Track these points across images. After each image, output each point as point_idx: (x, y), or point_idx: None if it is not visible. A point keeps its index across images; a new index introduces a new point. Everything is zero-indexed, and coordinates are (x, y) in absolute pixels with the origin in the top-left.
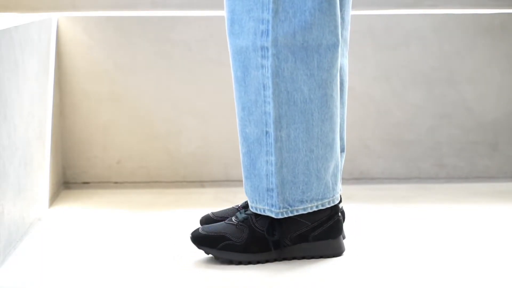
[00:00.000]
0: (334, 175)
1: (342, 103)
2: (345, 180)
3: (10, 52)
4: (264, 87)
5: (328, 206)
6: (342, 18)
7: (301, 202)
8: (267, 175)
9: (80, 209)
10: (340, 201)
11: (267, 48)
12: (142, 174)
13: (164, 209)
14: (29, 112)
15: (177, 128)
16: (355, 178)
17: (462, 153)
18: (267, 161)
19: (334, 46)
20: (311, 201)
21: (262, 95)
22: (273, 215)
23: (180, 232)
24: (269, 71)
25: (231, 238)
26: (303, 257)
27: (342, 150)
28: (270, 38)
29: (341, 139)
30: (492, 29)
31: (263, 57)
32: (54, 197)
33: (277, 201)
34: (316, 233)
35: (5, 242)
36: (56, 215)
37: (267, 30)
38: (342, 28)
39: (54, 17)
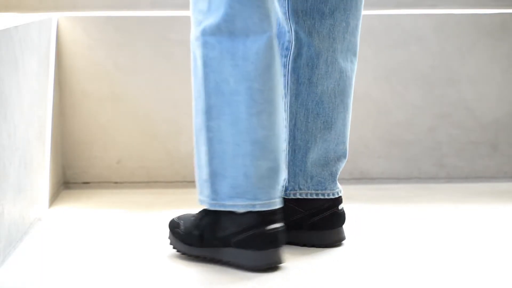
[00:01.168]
0: (271, 178)
1: (344, 108)
2: (345, 180)
3: (10, 52)
4: (200, 77)
5: (260, 209)
6: (347, 22)
7: (231, 197)
8: (203, 165)
9: (80, 209)
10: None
11: (199, 38)
12: (142, 174)
13: (164, 209)
14: (29, 112)
15: (177, 128)
16: (355, 178)
17: (462, 153)
18: (204, 151)
19: (261, 39)
20: (240, 198)
21: (200, 84)
22: (207, 207)
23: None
24: (201, 60)
25: (180, 227)
26: (226, 262)
27: (343, 156)
28: (200, 27)
29: (342, 143)
30: (492, 29)
31: (197, 46)
32: (54, 197)
33: (209, 193)
34: (237, 239)
35: (5, 242)
36: (56, 215)
37: (201, 21)
38: (344, 31)
39: (54, 17)
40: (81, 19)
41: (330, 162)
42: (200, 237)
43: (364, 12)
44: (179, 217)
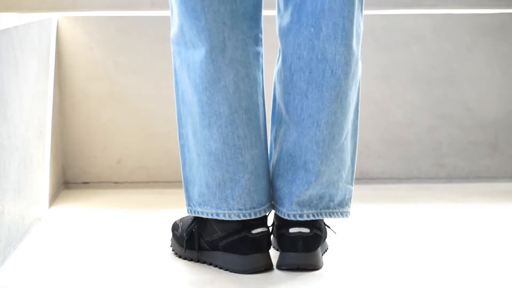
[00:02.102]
0: (232, 189)
1: (314, 123)
2: None
3: (10, 52)
4: (174, 84)
5: (224, 218)
6: (319, 27)
7: (199, 204)
8: (181, 171)
9: (80, 209)
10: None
11: (171, 45)
12: (142, 174)
13: (164, 209)
14: (29, 112)
15: (177, 128)
16: (355, 178)
17: (462, 153)
18: (180, 157)
19: (201, 51)
20: (206, 206)
21: (174, 91)
22: (187, 211)
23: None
24: (173, 68)
25: (178, 229)
26: (216, 265)
27: (314, 178)
28: (170, 35)
29: (311, 162)
30: (492, 29)
31: (172, 54)
32: (54, 197)
33: (185, 198)
34: (223, 243)
35: (5, 242)
36: (56, 215)
37: (171, 29)
38: (316, 38)
39: (54, 17)
40: (81, 19)
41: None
42: (190, 241)
43: (364, 12)
44: (181, 219)
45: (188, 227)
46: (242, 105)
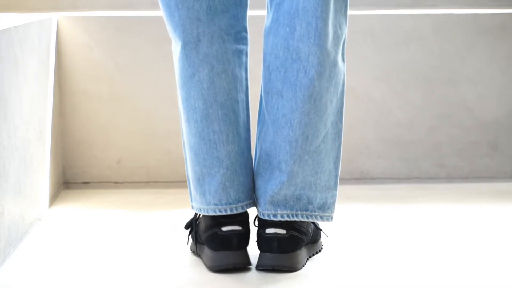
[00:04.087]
0: (210, 184)
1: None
2: (345, 180)
3: (10, 52)
4: None
5: (203, 213)
6: (294, 27)
7: (193, 200)
8: None
9: (80, 209)
10: (242, 220)
11: None
12: (142, 174)
13: (164, 209)
14: (29, 112)
15: (177, 128)
16: (355, 178)
17: (462, 153)
18: None
19: (177, 47)
20: (194, 201)
21: None
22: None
23: (180, 232)
24: None
25: (192, 225)
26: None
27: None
28: None
29: (284, 162)
30: (492, 29)
31: None
32: (54, 197)
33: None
34: (203, 238)
35: (5, 242)
36: (56, 215)
37: None
38: (291, 38)
39: (54, 17)
40: (81, 19)
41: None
42: (193, 234)
43: (364, 12)
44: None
45: (190, 220)
46: (218, 100)
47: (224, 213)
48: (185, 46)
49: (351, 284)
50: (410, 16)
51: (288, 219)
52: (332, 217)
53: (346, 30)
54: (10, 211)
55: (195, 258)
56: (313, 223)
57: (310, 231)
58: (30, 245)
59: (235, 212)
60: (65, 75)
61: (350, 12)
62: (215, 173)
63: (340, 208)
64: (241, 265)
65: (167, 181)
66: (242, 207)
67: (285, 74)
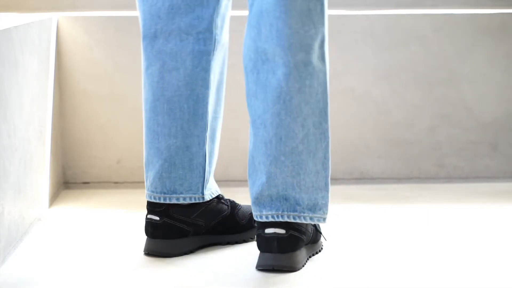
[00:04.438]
0: (150, 171)
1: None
2: (345, 180)
3: (10, 52)
4: None
5: (146, 198)
6: (260, 29)
7: None
8: None
9: (80, 209)
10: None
11: None
12: (142, 174)
13: None
14: (29, 112)
15: None
16: (355, 178)
17: (462, 153)
18: None
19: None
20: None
21: None
22: None
23: None
24: None
25: None
26: None
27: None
28: None
29: (262, 163)
30: (492, 29)
31: None
32: (54, 197)
33: None
34: None
35: (5, 242)
36: (56, 215)
37: None
38: (259, 39)
39: (54, 17)
40: (81, 19)
41: None
42: None
43: (364, 12)
44: None
45: None
46: (165, 95)
47: (157, 201)
48: (143, 39)
49: (351, 284)
50: (410, 16)
51: (273, 220)
52: (324, 218)
53: (323, 29)
54: (10, 211)
55: (196, 257)
56: (314, 224)
57: (310, 231)
58: (30, 245)
59: (168, 202)
60: (65, 75)
61: (350, 12)
62: (155, 163)
63: (340, 208)
64: (150, 252)
65: None
66: (177, 199)
67: (257, 76)
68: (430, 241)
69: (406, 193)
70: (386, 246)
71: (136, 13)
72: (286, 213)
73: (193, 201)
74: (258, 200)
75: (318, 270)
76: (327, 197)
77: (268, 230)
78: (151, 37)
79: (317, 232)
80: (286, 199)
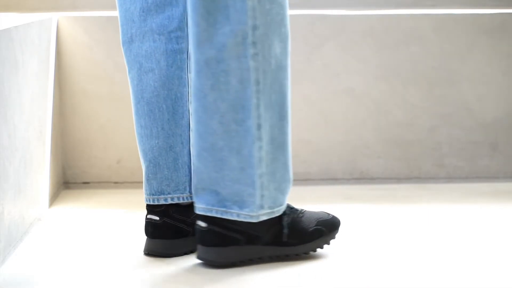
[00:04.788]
0: (143, 174)
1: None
2: (345, 180)
3: (10, 52)
4: None
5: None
6: (185, 29)
7: None
8: None
9: (80, 209)
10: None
11: None
12: (142, 174)
13: None
14: (29, 112)
15: None
16: (355, 178)
17: (462, 153)
18: None
19: None
20: None
21: None
22: None
23: None
24: None
25: None
26: None
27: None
28: None
29: (191, 156)
30: (492, 29)
31: None
32: (54, 197)
33: None
34: None
35: (5, 242)
36: (56, 215)
37: None
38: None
39: (54, 17)
40: (81, 19)
41: None
42: None
43: (364, 12)
44: None
45: None
46: (144, 97)
47: (148, 203)
48: (123, 45)
49: (351, 284)
50: (410, 16)
51: (204, 214)
52: (251, 216)
53: (244, 26)
54: (10, 211)
55: (195, 257)
56: (290, 227)
57: (256, 232)
58: (30, 245)
59: (156, 203)
60: (65, 75)
61: (350, 12)
62: (143, 165)
63: (340, 208)
64: (150, 252)
65: None
66: (165, 199)
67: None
68: (430, 241)
69: (406, 193)
70: (386, 246)
71: None
72: (215, 208)
73: (181, 201)
74: (195, 192)
75: (318, 270)
76: (255, 196)
77: (198, 222)
78: (129, 42)
79: (294, 234)
80: (216, 194)
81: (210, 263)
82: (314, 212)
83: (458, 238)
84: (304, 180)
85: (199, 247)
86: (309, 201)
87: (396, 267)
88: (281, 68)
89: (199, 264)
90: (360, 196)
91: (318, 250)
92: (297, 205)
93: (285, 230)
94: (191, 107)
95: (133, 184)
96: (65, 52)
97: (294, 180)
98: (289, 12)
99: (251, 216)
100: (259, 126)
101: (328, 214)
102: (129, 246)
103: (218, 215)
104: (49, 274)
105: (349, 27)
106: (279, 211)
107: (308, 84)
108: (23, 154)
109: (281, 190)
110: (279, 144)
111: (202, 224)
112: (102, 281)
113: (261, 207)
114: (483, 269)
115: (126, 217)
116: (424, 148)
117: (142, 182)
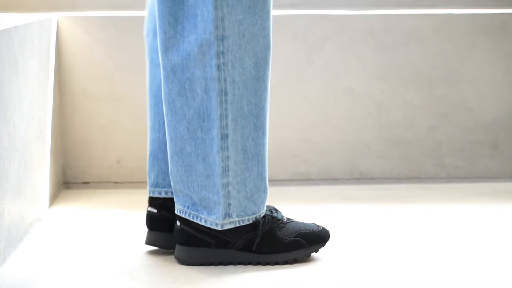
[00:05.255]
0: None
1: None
2: (345, 180)
3: (10, 52)
4: None
5: None
6: (155, 32)
7: None
8: None
9: (80, 209)
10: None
11: None
12: (142, 174)
13: None
14: (29, 112)
15: None
16: (355, 178)
17: (462, 153)
18: None
19: None
20: None
21: None
22: None
23: None
24: None
25: None
26: None
27: None
28: None
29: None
30: (492, 29)
31: None
32: (54, 197)
33: None
34: None
35: (5, 242)
36: (56, 215)
37: None
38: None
39: (54, 17)
40: (81, 19)
41: None
42: None
43: (364, 12)
44: None
45: None
46: (152, 90)
47: (148, 194)
48: (145, 39)
49: (351, 284)
50: (410, 16)
51: (179, 215)
52: (216, 224)
53: (209, 36)
54: (10, 211)
55: None
56: (260, 234)
57: (228, 237)
58: (30, 245)
59: (152, 195)
60: (65, 75)
61: (350, 12)
62: (151, 160)
63: (340, 208)
64: (148, 243)
65: None
66: (159, 193)
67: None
68: (430, 241)
69: (406, 193)
70: (386, 246)
71: (136, 13)
72: (189, 210)
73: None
74: (174, 192)
75: (318, 270)
76: (220, 204)
77: (177, 222)
78: (146, 36)
79: (261, 244)
80: (190, 197)
81: (180, 262)
82: (302, 224)
83: (458, 238)
84: (304, 180)
85: (176, 245)
86: (309, 201)
87: (396, 267)
88: (257, 79)
89: (199, 265)
90: (360, 196)
91: (320, 250)
92: (297, 205)
93: (257, 239)
94: (164, 110)
95: (133, 184)
96: (65, 52)
97: (294, 180)
98: (289, 12)
99: (216, 224)
100: (224, 136)
101: (318, 226)
102: (129, 246)
103: (190, 218)
104: (49, 274)
105: (349, 27)
106: (250, 219)
107: (308, 84)
108: (23, 154)
109: (254, 200)
110: (253, 155)
111: (177, 222)
112: (102, 281)
113: (228, 215)
114: (483, 269)
115: (126, 217)
116: (424, 148)
117: (142, 182)
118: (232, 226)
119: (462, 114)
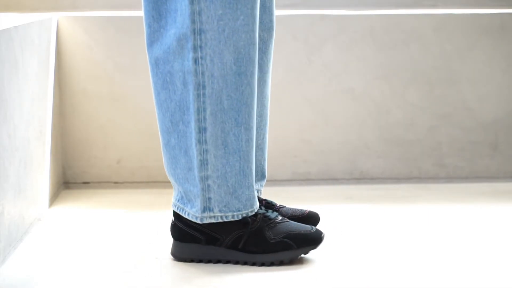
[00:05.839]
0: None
1: None
2: (345, 180)
3: (10, 52)
4: None
5: None
6: None
7: None
8: None
9: (80, 209)
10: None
11: None
12: (142, 174)
13: (164, 209)
14: (29, 112)
15: None
16: (355, 178)
17: (462, 153)
18: None
19: None
20: None
21: None
22: None
23: None
24: None
25: None
26: None
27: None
28: None
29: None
30: (492, 29)
31: None
32: (54, 197)
33: None
34: None
35: (5, 242)
36: (56, 215)
37: None
38: None
39: (54, 17)
40: (81, 19)
41: None
42: None
43: (364, 12)
44: None
45: None
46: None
47: None
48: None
49: (351, 284)
50: (410, 16)
51: (172, 208)
52: (196, 217)
53: (184, 30)
54: (10, 211)
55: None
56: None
57: (216, 234)
58: (30, 245)
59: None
60: (65, 75)
61: (350, 12)
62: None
63: (340, 208)
64: (176, 257)
65: (167, 181)
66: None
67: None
68: (430, 241)
69: (406, 193)
70: (386, 246)
71: (136, 13)
72: (178, 203)
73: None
74: (173, 186)
75: (318, 270)
76: (199, 197)
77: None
78: None
79: (247, 243)
80: (179, 190)
81: (174, 258)
82: (295, 225)
83: (458, 238)
84: (304, 180)
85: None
86: (309, 201)
87: (396, 267)
88: (238, 75)
89: (198, 264)
90: (360, 196)
91: (319, 250)
92: (297, 206)
93: (244, 237)
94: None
95: (133, 184)
96: (65, 52)
97: (295, 180)
98: (289, 12)
99: (196, 217)
100: (202, 129)
101: (312, 228)
102: (129, 246)
103: (178, 211)
104: (49, 274)
105: (349, 27)
106: (235, 216)
107: (308, 84)
108: (23, 154)
109: (237, 196)
110: (234, 150)
111: (172, 217)
112: (101, 281)
113: (208, 209)
114: (483, 269)
115: (126, 217)
116: (424, 148)
117: (142, 182)
118: (213, 220)
119: (462, 114)
